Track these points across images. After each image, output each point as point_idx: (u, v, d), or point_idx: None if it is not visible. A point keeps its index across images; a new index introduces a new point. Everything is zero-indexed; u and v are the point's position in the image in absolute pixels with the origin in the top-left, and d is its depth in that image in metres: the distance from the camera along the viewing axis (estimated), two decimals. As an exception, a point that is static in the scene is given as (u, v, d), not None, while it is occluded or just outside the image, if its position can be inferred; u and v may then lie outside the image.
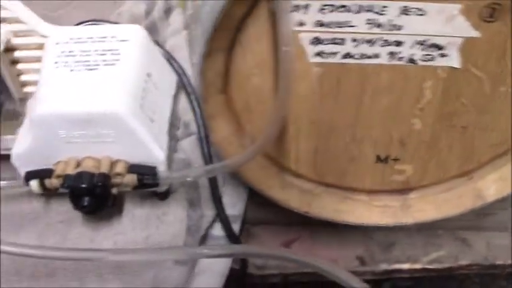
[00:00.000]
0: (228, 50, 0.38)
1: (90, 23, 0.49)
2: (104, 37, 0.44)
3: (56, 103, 0.40)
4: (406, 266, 0.54)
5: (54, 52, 0.44)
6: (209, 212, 0.48)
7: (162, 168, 0.43)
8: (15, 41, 0.46)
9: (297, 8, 0.36)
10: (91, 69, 0.42)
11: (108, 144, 0.42)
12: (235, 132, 0.43)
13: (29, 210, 0.46)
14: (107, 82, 0.41)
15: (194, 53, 0.39)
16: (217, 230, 0.50)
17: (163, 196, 0.47)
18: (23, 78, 0.48)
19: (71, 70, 0.42)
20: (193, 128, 0.49)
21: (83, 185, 0.41)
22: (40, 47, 0.46)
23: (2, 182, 0.44)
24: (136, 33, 0.45)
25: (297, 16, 0.37)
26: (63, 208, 0.46)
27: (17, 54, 0.46)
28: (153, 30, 0.60)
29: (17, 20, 0.45)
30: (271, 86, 0.41)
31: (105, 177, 0.42)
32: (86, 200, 0.41)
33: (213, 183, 0.48)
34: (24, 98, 0.48)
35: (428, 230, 0.55)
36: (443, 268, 0.54)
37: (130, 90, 0.41)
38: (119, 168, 0.42)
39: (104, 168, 0.42)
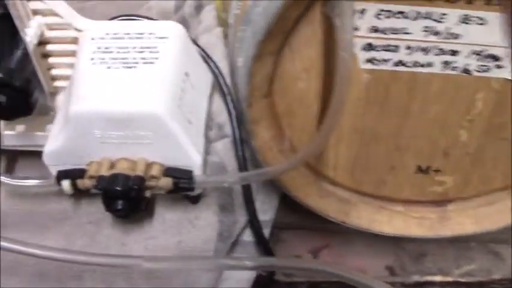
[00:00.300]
0: (277, 53, 0.36)
1: (123, 18, 0.47)
2: (142, 33, 0.43)
3: (93, 101, 0.39)
4: (437, 278, 0.52)
5: (89, 48, 0.42)
6: (241, 218, 0.47)
7: (198, 172, 0.42)
8: (49, 34, 0.44)
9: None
10: (129, 67, 0.40)
11: (143, 145, 0.40)
12: (275, 137, 0.41)
13: (58, 211, 0.45)
14: (147, 81, 0.40)
15: (238, 54, 0.37)
16: (247, 236, 0.49)
17: (195, 200, 0.46)
18: (54, 72, 0.46)
19: (108, 67, 0.41)
20: (227, 130, 0.48)
21: (118, 188, 0.40)
22: (74, 41, 0.45)
23: (32, 181, 0.42)
24: (175, 31, 0.44)
25: (351, 20, 0.35)
26: (93, 209, 0.45)
27: (49, 47, 0.45)
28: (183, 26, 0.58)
29: (52, 13, 0.43)
30: (317, 92, 0.39)
31: (141, 180, 0.40)
32: (120, 203, 0.40)
33: (246, 188, 0.46)
34: (54, 93, 0.46)
35: (460, 242, 0.53)
36: (475, 282, 0.52)
37: (170, 90, 0.40)
38: (155, 171, 0.41)
39: (140, 171, 0.40)
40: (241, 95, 0.38)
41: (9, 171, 0.48)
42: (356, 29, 0.36)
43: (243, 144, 0.47)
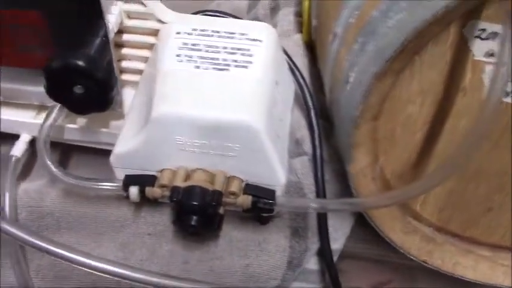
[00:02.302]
0: (399, 73, 0.32)
1: (208, 13, 0.43)
2: (232, 33, 0.39)
3: (181, 104, 0.34)
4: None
5: (175, 43, 0.38)
6: (313, 245, 0.42)
7: (279, 192, 0.38)
8: (127, 22, 0.40)
9: (492, 35, 0.31)
10: (220, 69, 0.36)
11: (225, 157, 0.36)
12: (371, 163, 0.37)
13: (116, 217, 0.41)
14: (241, 88, 0.35)
15: (350, 69, 0.33)
16: (312, 264, 0.45)
17: (265, 220, 0.42)
18: (124, 64, 0.42)
19: (197, 66, 0.36)
20: (306, 148, 0.44)
21: (194, 202, 0.35)
22: (152, 33, 0.41)
23: (95, 184, 0.38)
24: (269, 34, 0.40)
25: (488, 45, 0.31)
26: (155, 219, 0.41)
27: (125, 37, 0.41)
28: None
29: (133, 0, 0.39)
30: (426, 118, 0.35)
31: (219, 196, 0.36)
32: (194, 219, 0.36)
33: (323, 214, 0.42)
34: (120, 86, 0.42)
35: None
36: None
37: (265, 100, 0.36)
38: (234, 186, 0.37)
39: (218, 185, 0.36)
40: (347, 114, 0.34)
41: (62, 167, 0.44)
42: (491, 54, 0.32)
43: (323, 165, 0.43)
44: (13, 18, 0.36)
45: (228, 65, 0.37)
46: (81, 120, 0.42)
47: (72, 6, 0.35)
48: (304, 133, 0.44)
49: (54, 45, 0.38)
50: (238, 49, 0.38)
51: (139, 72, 0.42)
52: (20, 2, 0.35)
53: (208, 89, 0.35)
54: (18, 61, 0.39)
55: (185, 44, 0.38)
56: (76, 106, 0.35)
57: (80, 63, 0.33)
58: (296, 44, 0.49)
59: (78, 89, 0.34)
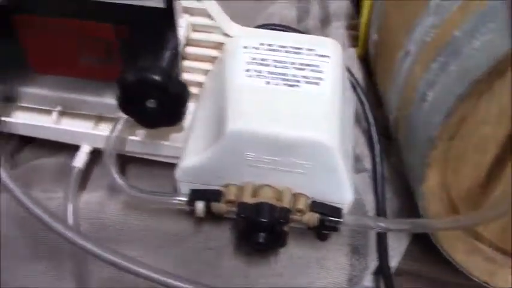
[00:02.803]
0: (482, 94, 0.32)
1: (271, 27, 0.43)
2: (299, 48, 0.38)
3: (255, 121, 0.34)
4: None
5: (243, 57, 0.38)
6: (372, 263, 0.42)
7: (345, 210, 0.37)
8: (192, 35, 0.40)
9: None
10: (291, 85, 0.36)
11: (293, 174, 0.36)
12: (441, 183, 0.37)
13: (176, 230, 0.40)
14: (313, 105, 0.35)
15: (428, 88, 0.33)
16: (367, 281, 0.44)
17: (325, 237, 0.41)
18: (184, 76, 0.42)
19: (267, 82, 0.36)
20: (366, 164, 0.43)
21: (263, 219, 0.35)
22: (216, 46, 0.40)
23: (160, 197, 0.38)
24: (335, 50, 0.39)
25: None
26: (215, 233, 0.40)
27: (188, 50, 0.40)
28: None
29: (202, 13, 0.39)
30: (499, 140, 0.35)
31: (287, 213, 0.36)
32: (262, 236, 0.36)
33: (383, 233, 0.41)
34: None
35: None
36: None
37: (336, 118, 0.35)
38: (301, 204, 0.36)
39: (286, 202, 0.36)
40: (423, 133, 0.34)
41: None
42: None
43: (383, 182, 0.42)
44: (82, 29, 0.36)
45: (298, 81, 0.36)
46: (141, 132, 0.41)
47: (145, 20, 0.35)
48: (363, 149, 0.44)
49: (122, 58, 0.37)
50: (307, 65, 0.37)
51: (198, 85, 0.42)
52: (92, 14, 0.35)
53: (281, 106, 0.35)
54: (81, 72, 0.39)
55: (253, 58, 0.37)
56: (147, 120, 0.35)
57: (156, 77, 0.32)
58: (350, 58, 0.49)
59: (150, 103, 0.34)
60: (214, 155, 0.35)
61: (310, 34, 0.54)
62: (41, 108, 0.42)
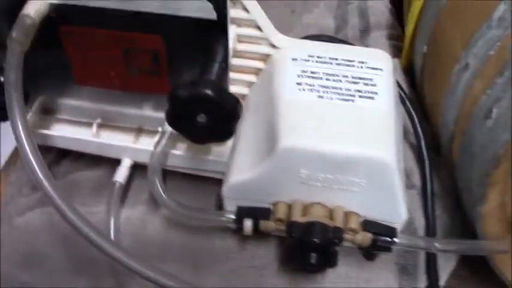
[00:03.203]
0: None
1: (320, 39, 0.41)
2: (351, 61, 0.37)
3: (310, 137, 0.33)
4: None
5: (293, 70, 0.36)
6: (421, 284, 0.40)
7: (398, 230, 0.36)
8: (238, 46, 0.38)
9: None
10: (345, 100, 0.35)
11: (347, 192, 0.34)
12: (500, 203, 0.35)
13: (221, 249, 0.39)
14: (369, 120, 0.34)
15: (492, 104, 0.31)
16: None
17: (373, 256, 0.40)
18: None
19: (320, 96, 0.35)
20: (415, 180, 0.42)
21: (315, 239, 0.33)
22: (261, 57, 0.39)
23: (210, 216, 0.36)
24: (387, 62, 0.38)
25: None
26: (260, 251, 0.39)
27: (233, 61, 0.39)
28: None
29: (250, 24, 0.37)
30: None
31: (340, 233, 0.34)
32: (314, 257, 0.34)
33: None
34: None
35: None
36: None
37: (393, 133, 0.34)
38: (353, 223, 0.35)
39: (338, 222, 0.34)
40: (486, 151, 0.32)
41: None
42: None
43: (433, 199, 0.41)
44: (130, 41, 0.35)
45: (352, 95, 0.35)
46: (183, 146, 0.40)
47: (196, 32, 0.33)
48: (411, 164, 0.42)
49: (169, 70, 0.36)
50: (360, 78, 0.36)
51: (242, 97, 0.40)
52: (141, 26, 0.34)
53: (336, 121, 0.33)
54: (126, 84, 0.38)
55: (304, 71, 0.36)
56: (197, 136, 0.34)
57: (210, 92, 0.31)
58: (394, 69, 0.47)
59: (201, 118, 0.32)
60: (264, 172, 0.34)
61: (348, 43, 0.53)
62: (80, 121, 0.41)
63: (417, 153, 0.42)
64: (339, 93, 0.35)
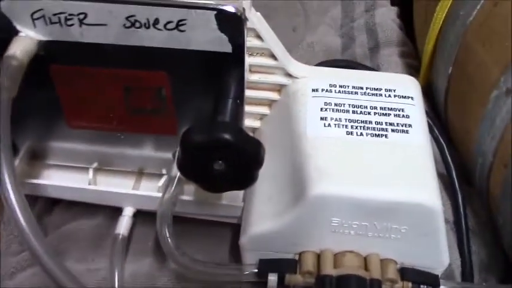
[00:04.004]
0: None
1: (339, 64, 0.38)
2: (378, 89, 0.33)
3: (343, 182, 0.29)
4: None
5: (315, 103, 0.33)
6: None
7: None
8: (249, 77, 0.34)
9: None
10: (377, 135, 0.31)
11: (384, 240, 0.30)
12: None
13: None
14: (406, 158, 0.30)
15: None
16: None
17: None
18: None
19: (349, 132, 0.31)
20: (447, 215, 0.38)
21: (353, 296, 0.30)
22: (275, 88, 0.35)
23: (229, 271, 0.32)
24: (416, 88, 0.34)
25: None
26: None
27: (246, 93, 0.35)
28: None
29: (264, 52, 0.33)
30: None
31: (378, 286, 0.30)
32: (351, 315, 0.30)
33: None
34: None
35: None
36: None
37: (433, 172, 0.30)
38: (391, 272, 0.31)
39: (375, 273, 0.31)
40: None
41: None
42: None
43: (468, 235, 0.37)
44: (130, 80, 0.31)
45: (384, 129, 0.31)
46: (191, 190, 0.36)
47: (208, 66, 0.29)
48: (443, 197, 0.39)
49: (175, 109, 0.32)
50: (390, 109, 0.32)
51: (252, 130, 0.37)
52: (143, 62, 0.30)
53: (369, 161, 0.30)
54: (126, 126, 0.34)
55: (327, 103, 0.32)
56: (214, 185, 0.30)
57: (228, 137, 0.27)
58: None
59: (218, 165, 0.28)
60: (291, 222, 0.30)
61: (357, 64, 0.49)
62: (74, 166, 0.36)
63: (447, 183, 0.39)
64: (369, 128, 0.31)
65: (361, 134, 0.31)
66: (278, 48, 0.33)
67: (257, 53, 0.34)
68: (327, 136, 0.31)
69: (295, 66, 0.34)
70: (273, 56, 0.33)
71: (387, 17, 0.51)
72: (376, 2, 0.54)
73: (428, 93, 0.45)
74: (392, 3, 0.54)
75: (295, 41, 0.52)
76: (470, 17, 0.36)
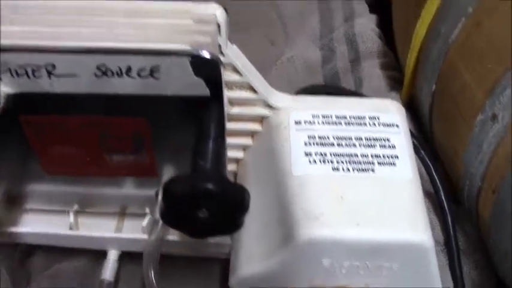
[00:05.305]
0: None
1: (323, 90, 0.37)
2: (362, 118, 0.33)
3: (332, 224, 0.28)
4: None
5: (298, 137, 0.32)
6: None
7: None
8: (230, 110, 0.33)
9: None
10: (364, 170, 0.30)
11: (375, 277, 0.30)
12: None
13: None
14: (395, 193, 0.29)
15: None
16: None
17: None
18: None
19: (335, 168, 0.30)
20: (436, 236, 0.37)
21: (346, 335, 0.29)
22: (257, 118, 0.34)
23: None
24: (400, 114, 0.33)
25: None
26: None
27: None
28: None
29: (242, 86, 0.32)
30: None
31: (373, 323, 0.30)
32: None
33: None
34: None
35: None
36: None
37: (423, 206, 0.30)
38: (384, 306, 0.30)
39: (370, 309, 0.30)
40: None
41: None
42: None
43: (459, 256, 0.37)
44: (108, 127, 0.29)
45: (371, 163, 0.30)
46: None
47: (186, 109, 0.28)
48: (431, 217, 0.38)
49: (154, 151, 0.31)
50: (376, 139, 0.31)
51: (236, 161, 0.36)
52: (118, 108, 0.29)
53: (358, 199, 0.29)
54: (102, 171, 0.33)
55: (311, 137, 0.31)
56: (198, 231, 0.29)
57: (211, 186, 0.26)
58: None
59: (202, 213, 0.27)
60: (280, 264, 0.29)
61: (339, 77, 0.48)
62: (53, 210, 0.35)
63: (435, 203, 0.38)
64: (355, 162, 0.30)
65: (348, 170, 0.30)
66: (257, 80, 0.32)
67: (236, 87, 0.33)
68: (312, 174, 0.30)
69: (276, 97, 0.33)
70: (253, 89, 0.32)
71: (367, 27, 0.50)
72: (354, 9, 0.53)
73: (413, 105, 0.44)
74: (371, 11, 0.53)
75: (275, 55, 0.51)
76: (452, 35, 0.36)
